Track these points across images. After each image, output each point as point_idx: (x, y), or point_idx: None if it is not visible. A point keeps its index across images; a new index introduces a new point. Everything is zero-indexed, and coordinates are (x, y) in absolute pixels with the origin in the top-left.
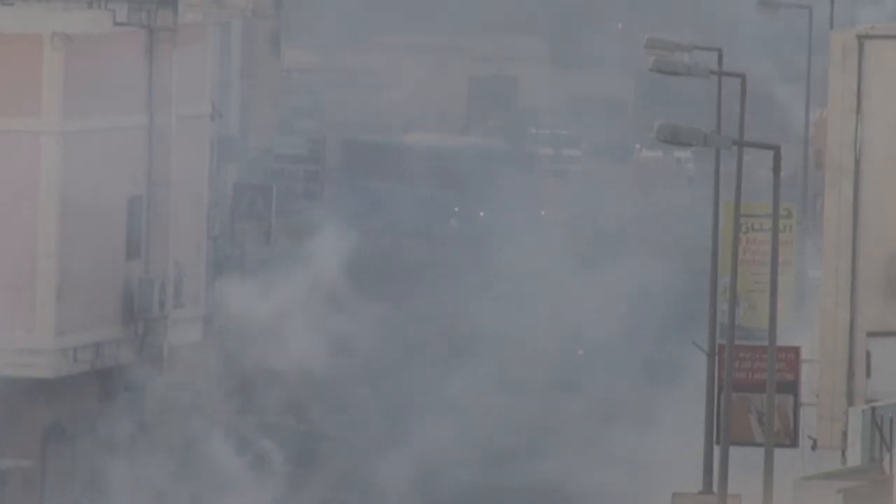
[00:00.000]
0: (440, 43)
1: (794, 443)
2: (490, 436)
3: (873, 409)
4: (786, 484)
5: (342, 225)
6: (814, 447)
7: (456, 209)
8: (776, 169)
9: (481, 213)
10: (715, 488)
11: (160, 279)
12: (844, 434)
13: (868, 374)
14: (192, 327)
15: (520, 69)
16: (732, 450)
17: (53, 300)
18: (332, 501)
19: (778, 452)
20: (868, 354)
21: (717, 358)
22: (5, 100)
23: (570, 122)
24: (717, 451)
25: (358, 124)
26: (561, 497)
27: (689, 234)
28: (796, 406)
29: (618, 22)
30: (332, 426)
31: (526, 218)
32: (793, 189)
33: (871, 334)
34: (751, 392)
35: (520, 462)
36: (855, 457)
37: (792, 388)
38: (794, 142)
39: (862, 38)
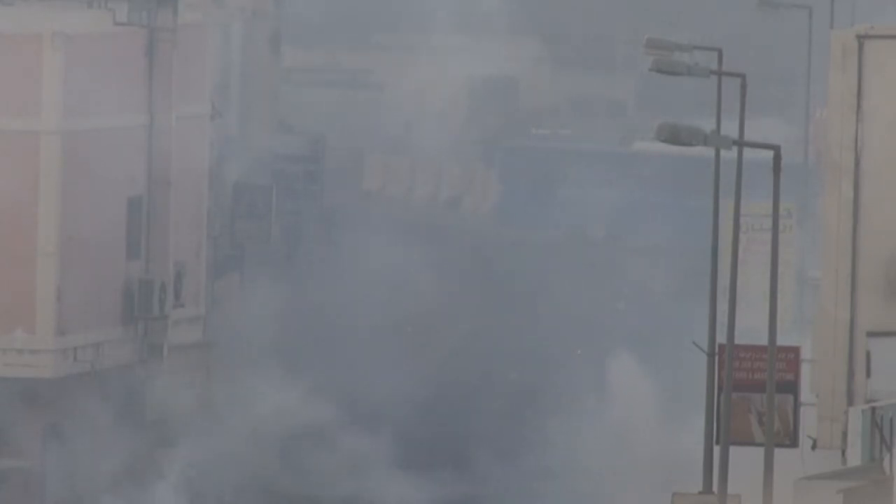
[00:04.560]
0: (440, 43)
1: (794, 443)
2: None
3: (873, 409)
4: (786, 484)
5: None
6: (814, 447)
7: None
8: (776, 169)
9: None
10: (715, 488)
11: (160, 279)
12: (844, 434)
13: (868, 374)
14: (192, 327)
15: (520, 69)
16: (732, 450)
17: (53, 300)
18: None
19: (778, 452)
20: (868, 354)
21: (717, 358)
22: (5, 100)
23: (570, 122)
24: (717, 451)
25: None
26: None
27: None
28: (796, 406)
29: (618, 22)
30: None
31: None
32: (793, 189)
33: (871, 334)
34: (751, 392)
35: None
36: (855, 457)
37: (792, 388)
38: (794, 141)
39: (862, 38)
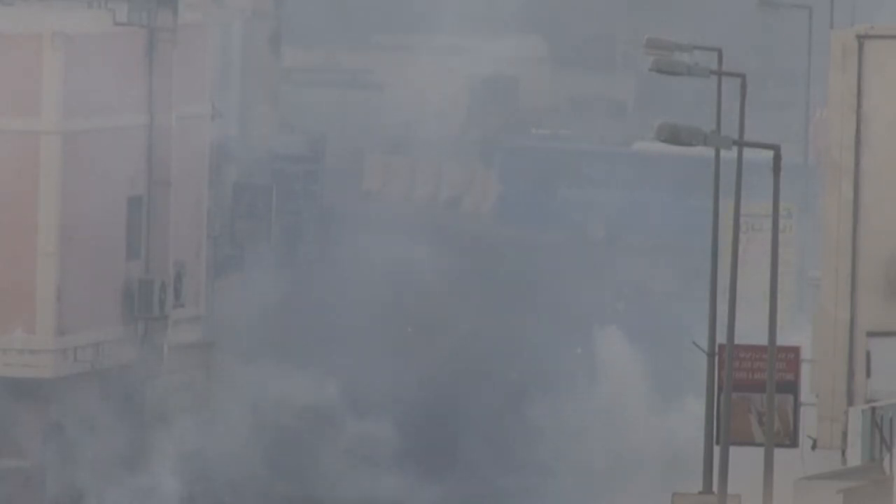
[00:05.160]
0: (440, 43)
1: (794, 443)
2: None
3: (873, 409)
4: (786, 484)
5: None
6: (814, 447)
7: None
8: (776, 169)
9: None
10: (715, 488)
11: (160, 279)
12: (844, 434)
13: (868, 374)
14: (192, 327)
15: (520, 69)
16: (732, 450)
17: (53, 300)
18: None
19: (778, 452)
20: (868, 354)
21: (717, 358)
22: (5, 100)
23: (570, 122)
24: (717, 451)
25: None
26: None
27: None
28: (796, 406)
29: (618, 22)
30: None
31: None
32: (793, 189)
33: (871, 334)
34: (751, 392)
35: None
36: (855, 457)
37: (792, 388)
38: (794, 141)
39: (862, 38)
